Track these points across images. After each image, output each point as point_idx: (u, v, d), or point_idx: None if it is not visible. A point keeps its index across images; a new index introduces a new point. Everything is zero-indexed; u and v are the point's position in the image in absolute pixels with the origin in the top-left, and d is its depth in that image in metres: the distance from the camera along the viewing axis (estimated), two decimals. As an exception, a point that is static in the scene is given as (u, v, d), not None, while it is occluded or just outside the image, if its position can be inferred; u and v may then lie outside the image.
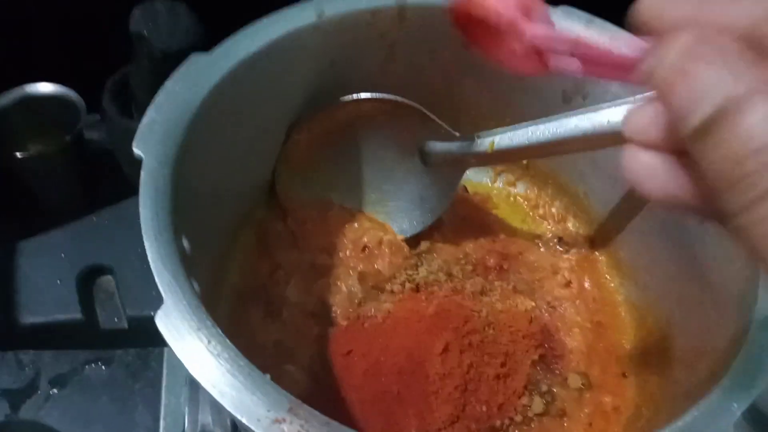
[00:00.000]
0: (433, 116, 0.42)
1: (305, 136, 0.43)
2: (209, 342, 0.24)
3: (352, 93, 0.42)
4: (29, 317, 0.24)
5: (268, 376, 0.24)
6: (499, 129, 0.40)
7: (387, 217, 0.46)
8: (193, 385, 0.41)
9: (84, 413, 0.51)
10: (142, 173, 0.28)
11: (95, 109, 0.58)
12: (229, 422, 0.40)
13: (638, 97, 0.36)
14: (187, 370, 0.43)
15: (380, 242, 0.44)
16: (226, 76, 0.34)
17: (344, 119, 0.43)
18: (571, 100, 0.42)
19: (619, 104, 0.36)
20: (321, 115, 0.42)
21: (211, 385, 0.23)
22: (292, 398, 0.23)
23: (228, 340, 0.24)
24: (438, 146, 0.42)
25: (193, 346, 0.24)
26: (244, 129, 0.37)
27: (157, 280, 0.25)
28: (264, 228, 0.43)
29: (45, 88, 0.60)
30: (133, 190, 0.27)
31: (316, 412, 0.23)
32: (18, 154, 0.56)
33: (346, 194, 0.46)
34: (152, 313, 0.25)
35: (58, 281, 0.25)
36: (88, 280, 0.26)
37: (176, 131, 0.30)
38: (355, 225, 0.45)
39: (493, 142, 0.40)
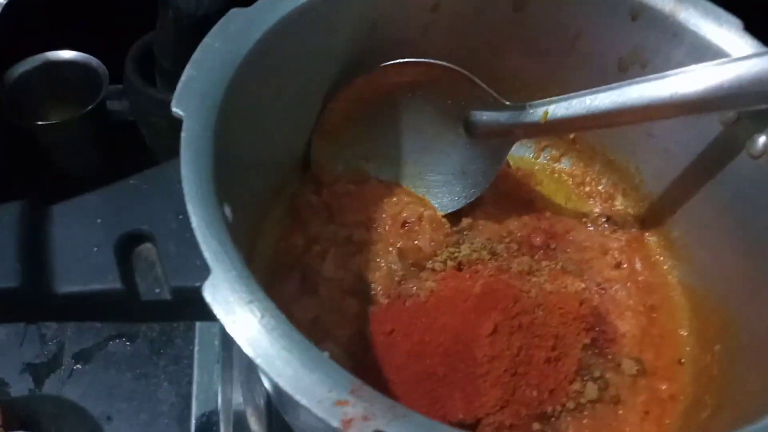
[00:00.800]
0: (481, 83, 0.39)
1: (342, 105, 0.41)
2: (262, 316, 0.22)
3: (391, 59, 0.40)
4: (65, 286, 0.23)
5: (326, 354, 0.21)
6: (553, 98, 0.37)
7: (426, 192, 0.44)
8: (226, 363, 0.40)
9: (107, 389, 0.50)
10: (184, 134, 0.26)
11: (119, 81, 0.56)
12: (262, 402, 0.39)
13: (706, 64, 0.33)
14: (218, 348, 0.41)
15: (420, 217, 0.42)
16: (267, 32, 0.31)
17: (384, 87, 0.41)
18: (627, 69, 0.39)
19: (688, 72, 0.33)
20: (359, 82, 0.40)
21: (265, 363, 0.21)
22: (354, 379, 0.21)
23: (283, 314, 0.22)
24: (485, 116, 0.40)
25: (244, 320, 0.22)
26: (283, 92, 0.35)
27: (203, 248, 0.22)
28: (298, 201, 0.41)
29: (67, 55, 0.58)
30: (155, 161, 0.25)
31: (380, 395, 0.21)
32: (39, 122, 0.55)
33: (383, 166, 0.43)
34: (198, 284, 0.23)
35: (95, 248, 0.23)
36: (126, 247, 0.24)
37: (216, 91, 0.28)
38: (394, 199, 0.42)
39: (547, 112, 0.37)
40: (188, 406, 0.42)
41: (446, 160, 0.43)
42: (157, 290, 0.24)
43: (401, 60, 0.39)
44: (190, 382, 0.44)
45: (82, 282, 0.23)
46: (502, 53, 0.43)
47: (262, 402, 0.39)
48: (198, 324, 0.43)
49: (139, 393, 0.50)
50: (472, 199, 0.43)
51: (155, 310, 0.24)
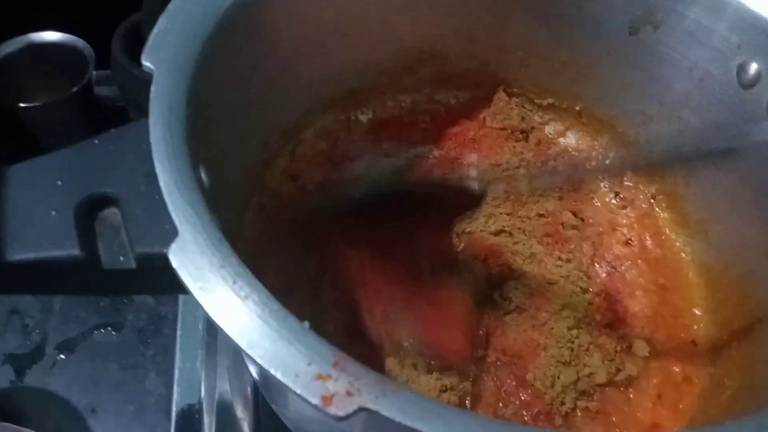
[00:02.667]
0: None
1: None
2: (234, 282, 0.19)
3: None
4: (17, 253, 0.20)
5: (306, 324, 0.19)
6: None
7: None
8: (210, 348, 0.37)
9: (92, 380, 0.48)
10: (153, 88, 0.23)
11: (107, 67, 0.54)
12: (249, 390, 0.36)
13: None
14: (202, 332, 0.39)
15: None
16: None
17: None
18: (639, 32, 0.37)
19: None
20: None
21: (237, 332, 0.19)
22: (337, 351, 0.19)
23: (258, 281, 0.20)
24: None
25: (215, 287, 0.19)
26: (269, 54, 0.32)
27: (169, 206, 0.20)
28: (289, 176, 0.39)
29: (52, 36, 0.56)
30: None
31: (366, 368, 0.18)
32: (21, 104, 0.53)
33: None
34: (165, 250, 0.20)
35: (53, 212, 0.21)
36: (89, 211, 0.22)
37: (193, 45, 0.25)
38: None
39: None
40: (170, 397, 0.39)
41: None
42: (121, 258, 0.21)
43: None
44: (178, 374, 0.42)
45: (36, 248, 0.21)
46: (506, 20, 0.40)
47: (249, 390, 0.36)
48: (181, 307, 0.40)
49: (125, 384, 0.47)
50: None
51: (118, 280, 0.22)
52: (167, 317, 0.52)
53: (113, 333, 0.50)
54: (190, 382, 0.37)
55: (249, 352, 0.18)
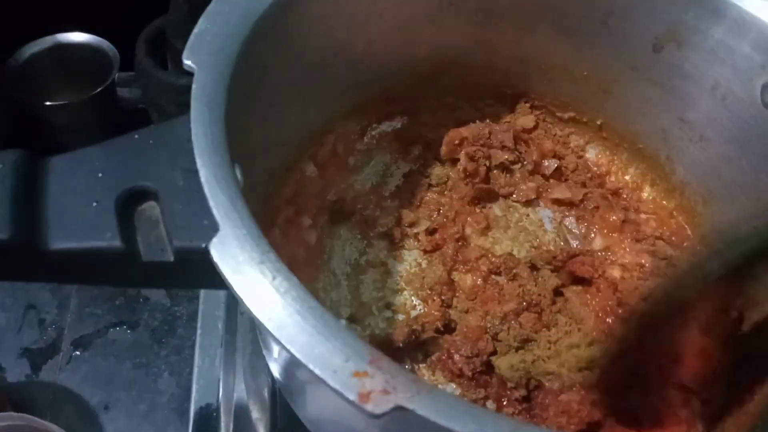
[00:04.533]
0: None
1: None
2: (274, 278, 0.20)
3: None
4: (59, 242, 0.21)
5: (343, 322, 0.19)
6: None
7: None
8: (229, 348, 0.38)
9: (106, 377, 0.48)
10: (194, 87, 0.24)
11: (130, 69, 0.55)
12: (266, 391, 0.37)
13: None
14: (222, 331, 0.39)
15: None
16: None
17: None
18: (663, 49, 0.37)
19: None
20: None
21: (276, 327, 0.19)
22: (373, 349, 0.19)
23: (296, 277, 0.20)
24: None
25: (254, 281, 0.20)
26: (306, 55, 0.32)
27: (211, 202, 0.21)
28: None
29: (78, 37, 0.57)
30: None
31: (401, 367, 0.19)
32: (46, 103, 0.54)
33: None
34: (203, 245, 0.21)
35: (94, 204, 0.22)
36: (128, 205, 0.23)
37: (231, 46, 0.26)
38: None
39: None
40: (189, 398, 0.39)
41: None
42: (160, 251, 0.22)
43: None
44: (191, 373, 0.42)
45: (77, 238, 0.21)
46: (531, 34, 0.41)
47: (266, 391, 0.37)
48: (201, 306, 0.40)
49: (138, 382, 0.48)
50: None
51: (156, 273, 0.22)
52: (182, 317, 0.52)
53: (128, 331, 0.50)
54: (208, 380, 0.37)
55: (287, 346, 0.18)
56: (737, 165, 0.37)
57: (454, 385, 0.33)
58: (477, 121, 0.43)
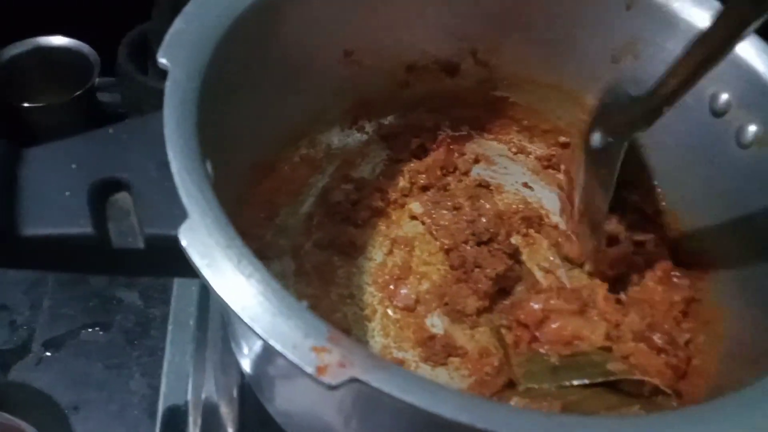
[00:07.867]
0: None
1: None
2: (239, 261, 0.21)
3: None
4: (32, 228, 0.22)
5: (305, 303, 0.20)
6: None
7: None
8: (200, 344, 0.38)
9: (77, 378, 0.48)
10: (168, 83, 0.25)
11: (111, 74, 0.56)
12: (236, 387, 0.37)
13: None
14: (193, 328, 0.40)
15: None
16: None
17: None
18: (620, 61, 0.40)
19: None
20: None
21: (240, 307, 0.20)
22: (332, 328, 0.20)
23: (260, 262, 0.21)
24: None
25: (220, 265, 0.21)
26: (281, 60, 0.34)
27: (180, 190, 0.22)
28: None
29: (58, 40, 0.58)
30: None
31: (358, 344, 0.20)
32: (26, 104, 0.54)
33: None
34: (173, 233, 0.21)
35: (67, 193, 0.22)
36: (101, 194, 0.23)
37: (206, 46, 0.27)
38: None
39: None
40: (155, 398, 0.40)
41: None
42: (130, 239, 0.23)
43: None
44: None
45: (51, 225, 0.22)
46: (501, 43, 0.42)
47: (235, 387, 0.37)
48: (173, 303, 0.41)
49: (109, 383, 0.48)
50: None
51: (127, 260, 0.23)
52: (155, 319, 0.52)
53: (101, 333, 0.50)
54: (179, 376, 0.37)
55: (251, 324, 0.19)
56: (693, 171, 0.39)
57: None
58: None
